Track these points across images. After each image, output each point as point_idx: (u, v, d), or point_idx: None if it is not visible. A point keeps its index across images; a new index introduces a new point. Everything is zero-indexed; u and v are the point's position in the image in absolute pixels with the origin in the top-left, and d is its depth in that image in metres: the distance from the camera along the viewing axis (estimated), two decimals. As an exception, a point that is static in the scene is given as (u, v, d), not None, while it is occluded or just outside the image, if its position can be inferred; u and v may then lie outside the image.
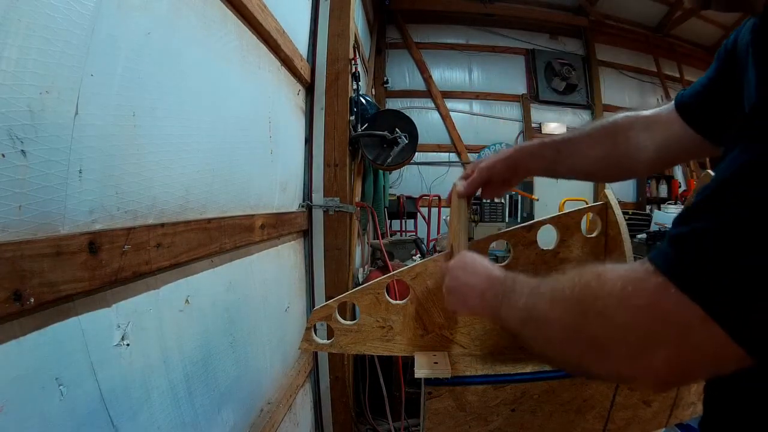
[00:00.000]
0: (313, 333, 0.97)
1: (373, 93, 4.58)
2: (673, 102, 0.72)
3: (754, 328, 0.32)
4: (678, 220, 0.37)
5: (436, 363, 0.91)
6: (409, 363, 2.15)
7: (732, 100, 0.54)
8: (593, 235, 1.03)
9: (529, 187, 4.64)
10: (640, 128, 0.76)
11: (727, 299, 0.32)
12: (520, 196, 4.44)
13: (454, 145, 5.13)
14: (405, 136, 2.11)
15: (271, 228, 1.43)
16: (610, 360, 0.40)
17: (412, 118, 2.21)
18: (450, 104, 5.17)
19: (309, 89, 1.92)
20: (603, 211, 1.03)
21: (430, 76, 5.17)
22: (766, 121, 0.33)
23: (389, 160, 2.14)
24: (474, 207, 4.46)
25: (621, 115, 0.79)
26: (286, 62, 1.58)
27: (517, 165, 0.85)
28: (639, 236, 3.78)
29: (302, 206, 1.88)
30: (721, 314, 0.32)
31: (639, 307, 0.36)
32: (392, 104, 5.07)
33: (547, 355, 0.50)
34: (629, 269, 0.39)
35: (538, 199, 4.36)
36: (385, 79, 4.50)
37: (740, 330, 0.32)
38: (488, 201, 4.22)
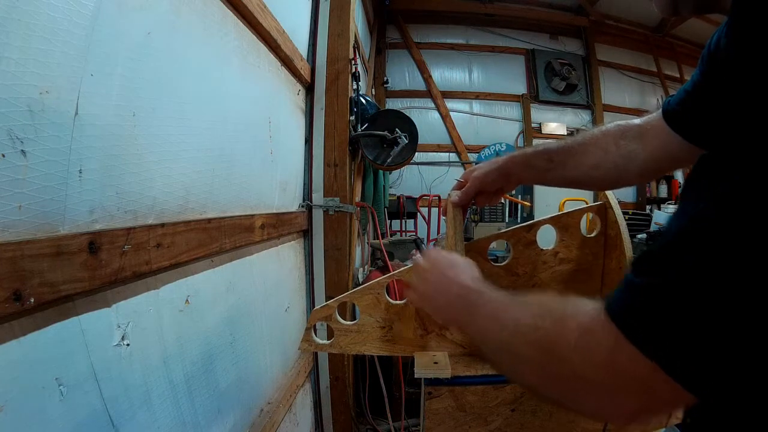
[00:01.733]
0: (313, 333, 0.97)
1: (373, 93, 4.58)
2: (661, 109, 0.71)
3: (709, 380, 0.33)
4: (636, 265, 0.37)
5: (436, 363, 0.91)
6: (409, 363, 2.15)
7: (717, 103, 0.54)
8: (593, 235, 1.03)
9: (528, 188, 4.64)
10: (632, 137, 0.76)
11: (678, 354, 0.33)
12: (519, 196, 4.44)
13: (454, 145, 5.13)
14: (405, 136, 2.11)
15: (271, 228, 1.43)
16: (582, 405, 0.41)
17: (412, 118, 2.21)
18: (450, 104, 5.17)
19: (309, 89, 1.92)
20: (603, 211, 1.03)
21: (430, 76, 5.17)
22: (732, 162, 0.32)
23: (389, 160, 2.14)
24: (474, 207, 4.46)
25: (613, 124, 0.80)
26: (286, 62, 1.58)
27: (509, 174, 0.86)
28: (639, 236, 3.78)
29: (302, 206, 1.88)
30: (675, 370, 0.33)
31: (598, 364, 0.37)
32: (392, 104, 5.07)
33: (513, 379, 0.51)
34: (588, 317, 0.39)
35: (530, 205, 4.36)
36: (385, 79, 4.50)
37: (695, 383, 0.33)
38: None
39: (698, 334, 0.32)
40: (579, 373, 0.39)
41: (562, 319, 0.41)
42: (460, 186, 0.93)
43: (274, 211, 1.52)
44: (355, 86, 2.11)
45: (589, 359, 0.38)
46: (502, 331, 0.48)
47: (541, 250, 1.02)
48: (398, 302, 0.95)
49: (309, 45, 1.92)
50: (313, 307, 1.92)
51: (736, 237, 0.30)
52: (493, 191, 0.90)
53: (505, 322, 0.48)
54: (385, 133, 2.11)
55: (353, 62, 2.04)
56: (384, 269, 2.32)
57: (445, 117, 5.14)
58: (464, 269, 0.64)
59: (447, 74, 5.25)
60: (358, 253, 2.60)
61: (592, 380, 0.38)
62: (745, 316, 0.30)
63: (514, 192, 4.38)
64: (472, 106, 5.25)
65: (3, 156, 0.51)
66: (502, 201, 4.26)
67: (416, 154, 2.28)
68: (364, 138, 2.11)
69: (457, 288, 0.60)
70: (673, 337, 0.33)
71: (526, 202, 4.35)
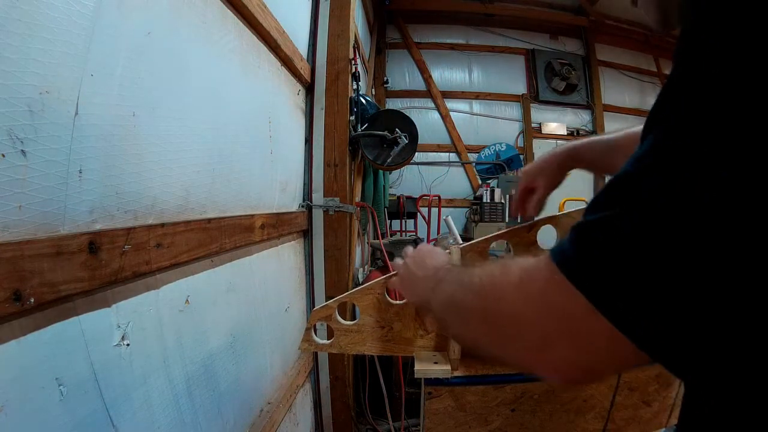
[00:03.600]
0: (313, 333, 0.97)
1: (373, 93, 4.58)
2: None
3: (640, 318, 0.31)
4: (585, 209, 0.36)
5: (436, 363, 0.91)
6: (409, 363, 2.15)
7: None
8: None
9: (529, 187, 4.64)
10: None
11: (611, 288, 0.31)
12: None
13: (454, 145, 5.12)
14: (405, 136, 2.11)
15: (271, 228, 1.43)
16: (514, 349, 0.39)
17: (412, 118, 2.21)
18: (450, 104, 5.17)
19: (309, 89, 1.92)
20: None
21: (430, 76, 5.17)
22: (655, 114, 0.33)
23: (389, 160, 2.14)
24: (474, 207, 4.46)
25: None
26: (286, 62, 1.58)
27: (579, 154, 0.87)
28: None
29: (302, 206, 1.88)
30: (604, 302, 0.32)
31: (532, 297, 0.36)
32: (392, 104, 5.07)
33: (465, 343, 0.50)
34: (532, 260, 0.38)
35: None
36: (385, 79, 4.50)
37: (625, 320, 0.31)
38: (488, 201, 4.22)
39: (633, 267, 0.30)
40: (517, 311, 0.37)
41: (509, 265, 0.40)
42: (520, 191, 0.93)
43: (274, 211, 1.52)
44: (355, 86, 2.11)
45: (525, 294, 0.37)
46: (457, 289, 0.48)
47: (542, 250, 1.02)
48: (398, 302, 0.95)
49: (309, 45, 1.92)
50: (313, 307, 1.92)
51: (674, 175, 0.30)
52: (550, 184, 0.90)
53: (462, 281, 0.48)
54: (385, 133, 2.10)
55: (353, 62, 2.04)
56: (384, 269, 2.32)
57: (445, 117, 5.14)
58: (442, 256, 0.70)
59: (447, 74, 5.24)
60: (358, 253, 2.60)
61: (528, 318, 0.37)
62: (682, 248, 0.29)
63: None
64: (472, 106, 5.24)
65: (3, 156, 0.51)
66: (503, 201, 4.26)
67: (416, 154, 2.28)
68: (364, 138, 2.11)
69: (432, 270, 0.63)
70: (605, 268, 0.31)
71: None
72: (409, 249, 0.79)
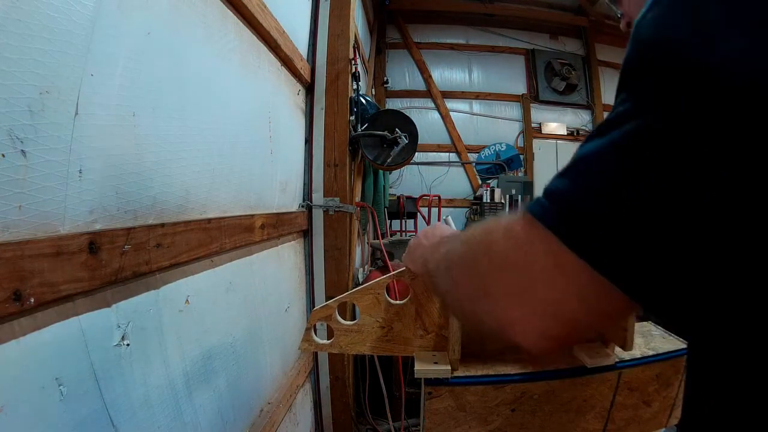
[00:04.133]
0: (313, 333, 0.97)
1: (373, 93, 4.58)
2: None
3: (614, 252, 0.31)
4: None
5: (436, 363, 0.91)
6: (409, 363, 2.15)
7: None
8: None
9: (529, 188, 4.64)
10: None
11: (582, 228, 0.32)
12: (519, 196, 4.44)
13: (454, 145, 5.13)
14: (405, 136, 2.11)
15: (271, 228, 1.43)
16: (491, 299, 0.39)
17: (412, 118, 2.21)
18: (450, 104, 5.17)
19: (309, 89, 1.92)
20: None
21: (430, 76, 5.17)
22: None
23: (389, 160, 2.14)
24: (474, 207, 4.47)
25: None
26: (286, 62, 1.58)
27: None
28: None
29: (302, 206, 1.88)
30: (573, 238, 0.32)
31: (517, 244, 0.36)
32: (392, 104, 5.07)
33: (451, 307, 0.49)
34: (520, 212, 0.38)
35: None
36: (385, 79, 4.49)
37: (596, 254, 0.31)
38: (488, 201, 4.23)
39: (606, 201, 0.31)
40: (502, 256, 0.37)
41: (497, 219, 0.41)
42: None
43: (274, 211, 1.52)
44: (355, 86, 2.11)
45: (508, 234, 0.37)
46: (452, 246, 0.48)
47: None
48: (398, 302, 0.95)
49: (309, 45, 1.92)
50: (313, 307, 1.92)
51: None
52: None
53: (459, 237, 0.48)
54: (385, 133, 2.10)
55: (353, 62, 2.04)
56: (384, 269, 2.32)
57: (445, 117, 5.14)
58: (448, 229, 0.74)
59: (447, 74, 5.25)
60: (358, 253, 2.60)
61: (511, 262, 0.37)
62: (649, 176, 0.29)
63: (519, 188, 4.38)
64: (472, 106, 5.24)
65: (3, 156, 0.51)
66: (503, 201, 4.27)
67: (416, 154, 2.28)
68: (364, 138, 2.11)
69: (438, 238, 0.65)
70: (581, 203, 0.32)
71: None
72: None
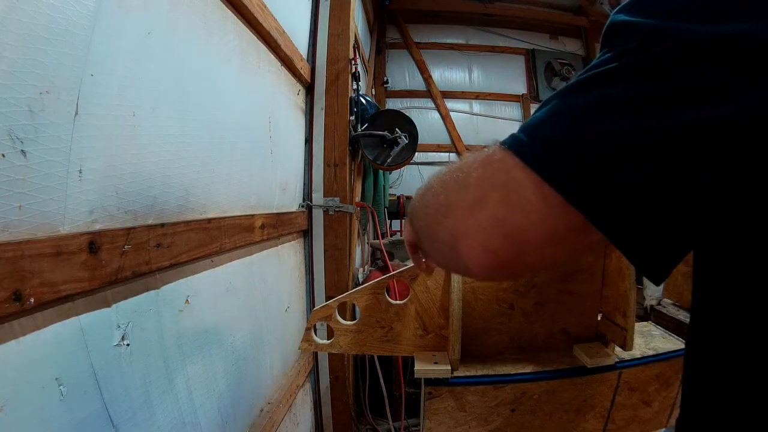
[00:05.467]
0: (313, 333, 0.97)
1: (373, 93, 4.58)
2: None
3: (575, 173, 0.31)
4: None
5: (436, 363, 0.91)
6: (409, 363, 2.15)
7: None
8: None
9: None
10: None
11: (542, 141, 0.33)
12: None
13: (454, 145, 5.12)
14: (405, 136, 2.11)
15: (271, 228, 1.43)
16: (450, 218, 0.39)
17: (412, 118, 2.21)
18: (450, 104, 5.17)
19: (309, 89, 1.92)
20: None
21: (430, 76, 5.17)
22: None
23: (389, 160, 2.14)
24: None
25: None
26: (286, 62, 1.58)
27: None
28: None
29: (302, 206, 1.88)
30: (531, 156, 0.33)
31: (479, 162, 0.37)
32: (392, 104, 5.07)
33: (422, 231, 0.48)
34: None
35: None
36: (385, 79, 4.50)
37: (556, 174, 0.32)
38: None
39: (569, 119, 0.32)
40: (465, 174, 0.38)
41: (476, 151, 0.41)
42: None
43: (274, 211, 1.52)
44: (355, 86, 2.10)
45: (475, 159, 0.38)
46: (433, 180, 0.47)
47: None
48: (398, 302, 0.95)
49: (309, 45, 1.92)
50: (313, 307, 1.92)
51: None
52: None
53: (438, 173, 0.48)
54: (385, 133, 2.11)
55: (353, 62, 2.04)
56: (384, 269, 2.32)
57: (445, 117, 5.14)
58: None
59: (447, 74, 5.24)
60: (358, 253, 2.60)
61: (469, 178, 0.37)
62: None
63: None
64: (472, 106, 5.24)
65: (3, 156, 0.51)
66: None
67: (416, 154, 2.28)
68: (364, 138, 2.11)
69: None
70: (543, 129, 0.34)
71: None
72: None
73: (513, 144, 0.35)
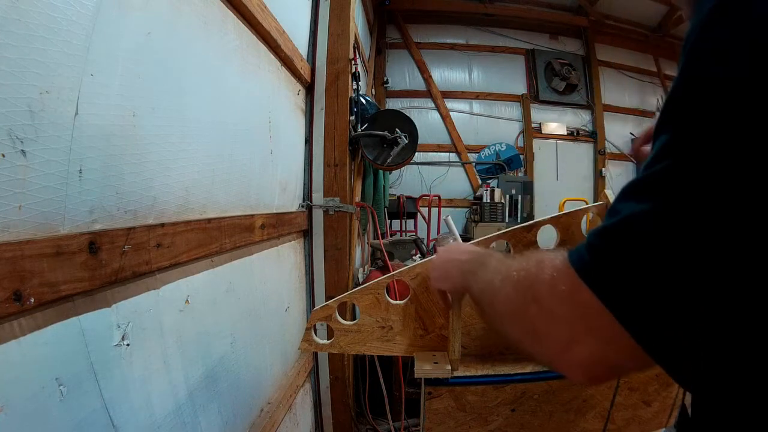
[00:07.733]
0: (313, 333, 0.97)
1: (373, 93, 4.58)
2: None
3: (644, 319, 0.33)
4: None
5: (436, 363, 0.91)
6: (409, 363, 2.15)
7: None
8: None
9: (529, 188, 4.64)
10: None
11: (621, 291, 0.34)
12: (519, 196, 4.44)
13: (454, 145, 5.13)
14: (405, 136, 2.11)
15: (271, 228, 1.43)
16: (543, 347, 0.41)
17: (412, 118, 2.21)
18: (450, 104, 5.17)
19: (309, 89, 1.92)
20: (603, 210, 1.03)
21: (430, 76, 5.17)
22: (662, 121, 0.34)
23: (389, 160, 2.14)
24: (474, 207, 4.46)
25: None
26: (286, 62, 1.58)
27: None
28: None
29: (302, 206, 1.88)
30: (612, 302, 0.34)
31: (563, 299, 0.38)
32: (392, 104, 5.07)
33: (497, 330, 0.51)
34: (561, 257, 0.40)
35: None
36: (385, 79, 4.50)
37: (632, 321, 0.34)
38: (488, 201, 4.22)
39: (641, 268, 0.33)
40: (546, 308, 0.40)
41: (543, 261, 0.42)
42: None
43: (274, 211, 1.52)
44: (355, 86, 2.11)
45: (554, 291, 0.39)
46: (497, 277, 0.50)
47: (542, 250, 1.02)
48: (398, 302, 0.95)
49: (309, 45, 1.92)
50: (313, 307, 1.92)
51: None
52: None
53: (502, 270, 0.50)
54: (385, 133, 2.11)
55: (353, 62, 2.04)
56: (384, 269, 2.32)
57: (445, 117, 5.14)
58: (470, 245, 0.75)
59: (447, 74, 5.25)
60: (358, 253, 2.60)
61: (556, 315, 0.39)
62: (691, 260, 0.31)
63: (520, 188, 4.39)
64: (472, 106, 5.24)
65: (3, 156, 0.51)
66: (503, 201, 4.27)
67: (416, 154, 2.28)
68: (364, 138, 2.11)
69: (466, 254, 0.67)
70: (615, 271, 0.34)
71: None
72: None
73: (586, 273, 0.36)
